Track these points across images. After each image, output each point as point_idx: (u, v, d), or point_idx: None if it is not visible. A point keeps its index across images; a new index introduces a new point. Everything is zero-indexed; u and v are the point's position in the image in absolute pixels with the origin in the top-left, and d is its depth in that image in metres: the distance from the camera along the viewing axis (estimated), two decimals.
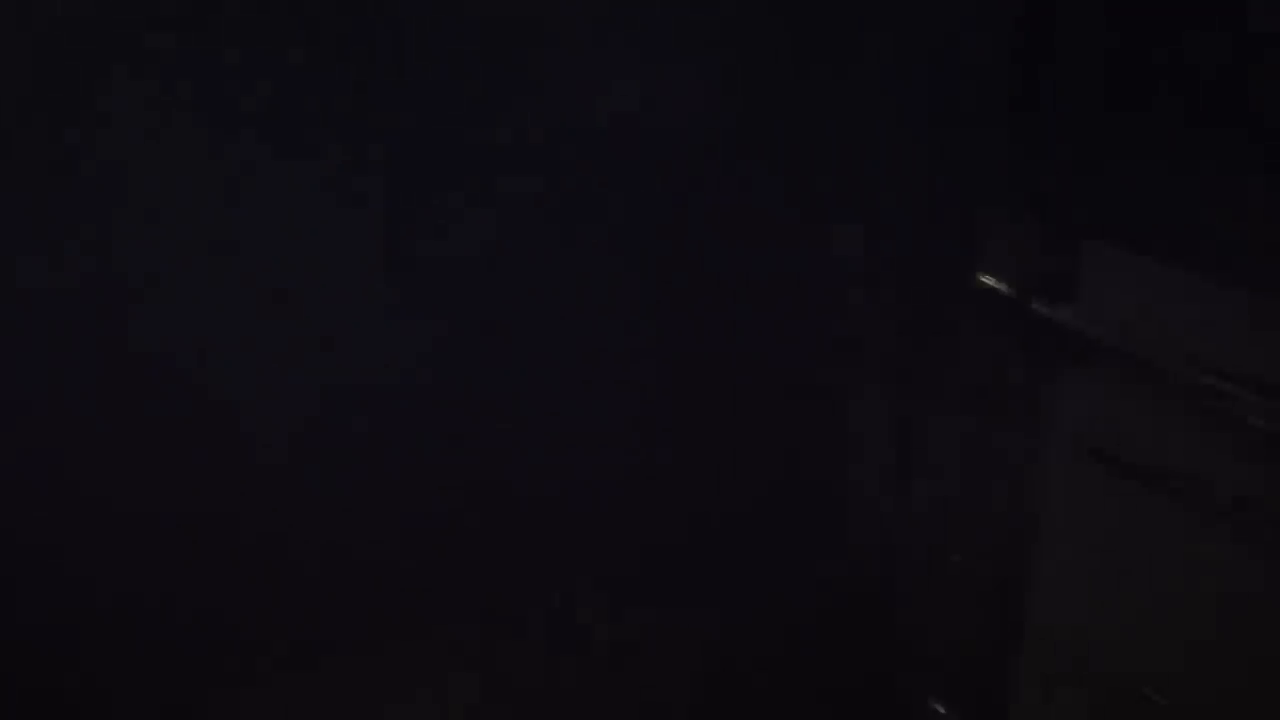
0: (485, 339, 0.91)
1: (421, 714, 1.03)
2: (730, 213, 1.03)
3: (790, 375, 1.15)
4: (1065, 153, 1.23)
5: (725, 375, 1.09)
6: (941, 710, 1.59)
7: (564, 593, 1.08)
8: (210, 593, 0.85)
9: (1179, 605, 1.27)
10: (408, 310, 0.85)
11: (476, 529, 0.98)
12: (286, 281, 0.79)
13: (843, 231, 1.13)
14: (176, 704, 0.86)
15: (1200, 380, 1.13)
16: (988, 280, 1.29)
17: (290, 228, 0.77)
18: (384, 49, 0.75)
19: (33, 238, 0.69)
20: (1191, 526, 1.22)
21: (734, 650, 1.25)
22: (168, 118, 0.70)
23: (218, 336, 0.77)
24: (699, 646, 1.23)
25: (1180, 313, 1.16)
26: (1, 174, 0.68)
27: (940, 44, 1.18)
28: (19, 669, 0.80)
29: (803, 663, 1.37)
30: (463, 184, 0.82)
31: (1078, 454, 1.32)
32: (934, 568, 1.49)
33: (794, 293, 1.12)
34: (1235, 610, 1.21)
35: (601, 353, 0.99)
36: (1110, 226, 1.22)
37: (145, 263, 0.73)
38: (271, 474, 0.84)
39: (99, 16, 0.62)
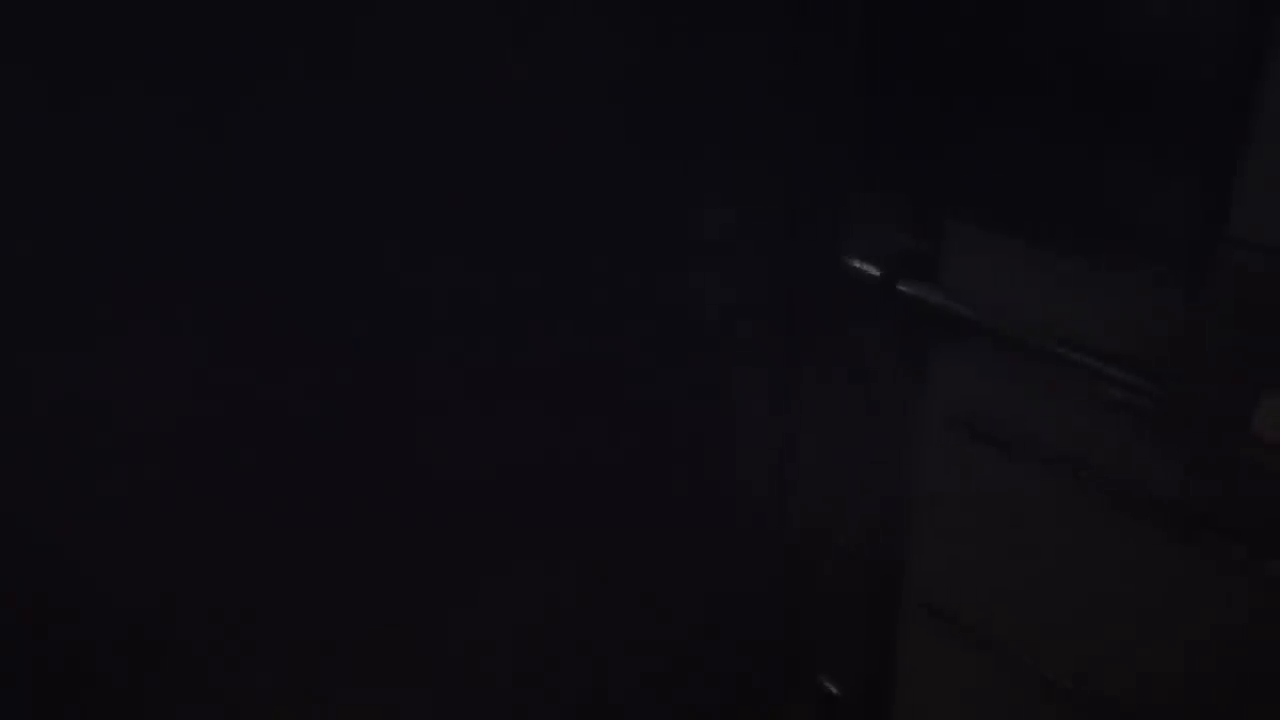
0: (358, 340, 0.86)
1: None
2: (593, 199, 1.00)
3: (661, 360, 1.13)
4: (925, 134, 1.23)
5: (594, 359, 1.06)
6: (831, 688, 1.61)
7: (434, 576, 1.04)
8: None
9: (1056, 575, 1.31)
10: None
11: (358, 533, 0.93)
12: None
13: (709, 216, 1.11)
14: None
15: (1063, 355, 1.15)
16: (854, 263, 1.29)
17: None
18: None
19: None
20: (1064, 497, 1.25)
21: (618, 633, 1.24)
22: None
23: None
24: (581, 628, 1.20)
25: (1042, 290, 1.18)
26: None
27: (796, 22, 1.16)
28: None
29: (691, 645, 1.36)
30: (304, 166, 0.77)
31: (951, 431, 1.34)
32: (817, 548, 1.50)
33: (661, 279, 1.10)
34: (1111, 578, 1.25)
35: (463, 346, 0.95)
36: (973, 206, 1.23)
37: None
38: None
39: None
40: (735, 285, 1.19)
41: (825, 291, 1.31)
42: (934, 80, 1.20)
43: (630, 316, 1.09)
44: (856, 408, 1.38)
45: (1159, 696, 1.25)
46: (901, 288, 1.26)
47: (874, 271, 1.28)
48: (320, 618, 0.93)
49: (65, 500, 0.73)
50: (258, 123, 0.73)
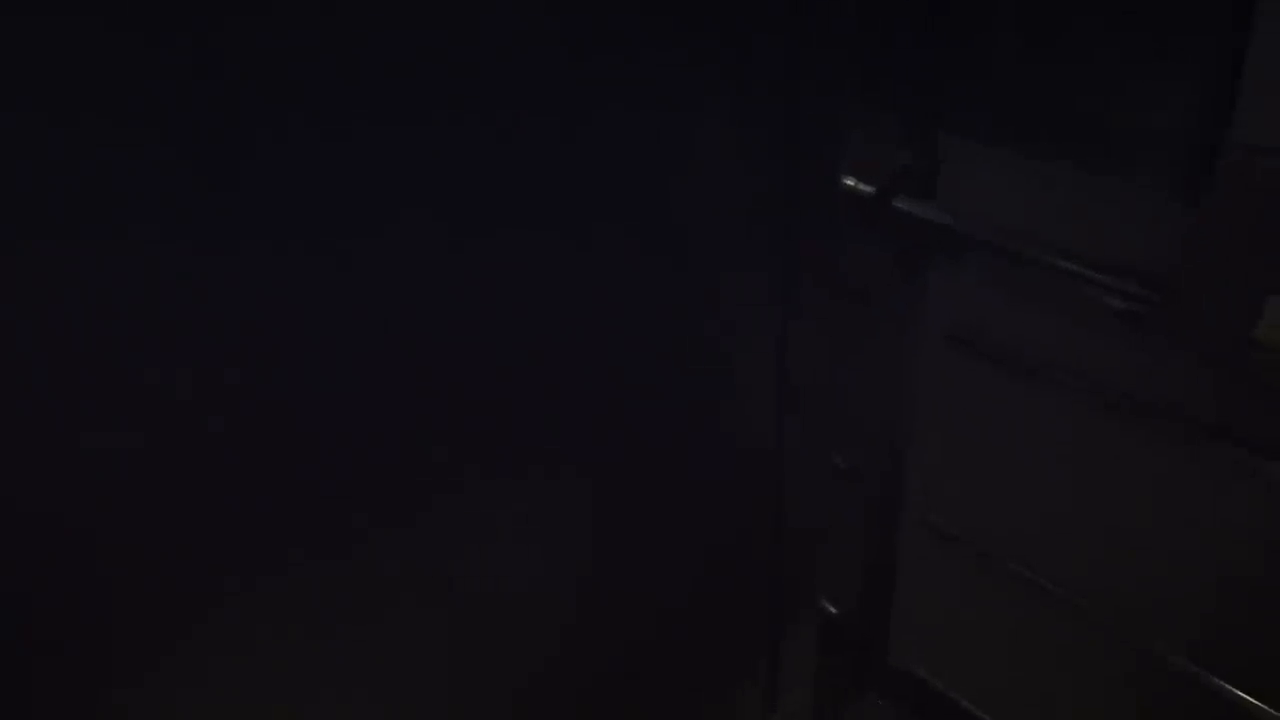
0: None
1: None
2: (582, 123, 0.97)
3: (655, 278, 1.12)
4: (918, 47, 1.21)
5: (585, 280, 1.04)
6: (831, 609, 1.62)
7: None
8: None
9: (1058, 489, 1.31)
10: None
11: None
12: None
13: (704, 133, 1.09)
14: None
15: (1064, 267, 1.14)
16: (850, 180, 1.27)
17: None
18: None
19: None
20: (1066, 410, 1.25)
21: (613, 556, 1.24)
22: None
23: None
24: (574, 550, 1.20)
25: (1041, 202, 1.16)
26: None
27: None
28: None
29: (687, 568, 1.36)
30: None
31: (951, 348, 1.33)
32: (816, 469, 1.49)
33: (654, 194, 1.08)
34: (1113, 489, 1.25)
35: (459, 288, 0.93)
36: (967, 119, 1.21)
37: None
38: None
39: None
40: (731, 202, 1.17)
41: (823, 208, 1.29)
42: None
43: (624, 233, 1.07)
44: (854, 326, 1.37)
45: (1162, 606, 1.26)
46: (898, 204, 1.24)
47: (869, 189, 1.26)
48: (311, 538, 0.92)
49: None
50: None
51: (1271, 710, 1.20)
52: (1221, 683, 1.24)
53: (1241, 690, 1.22)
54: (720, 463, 1.36)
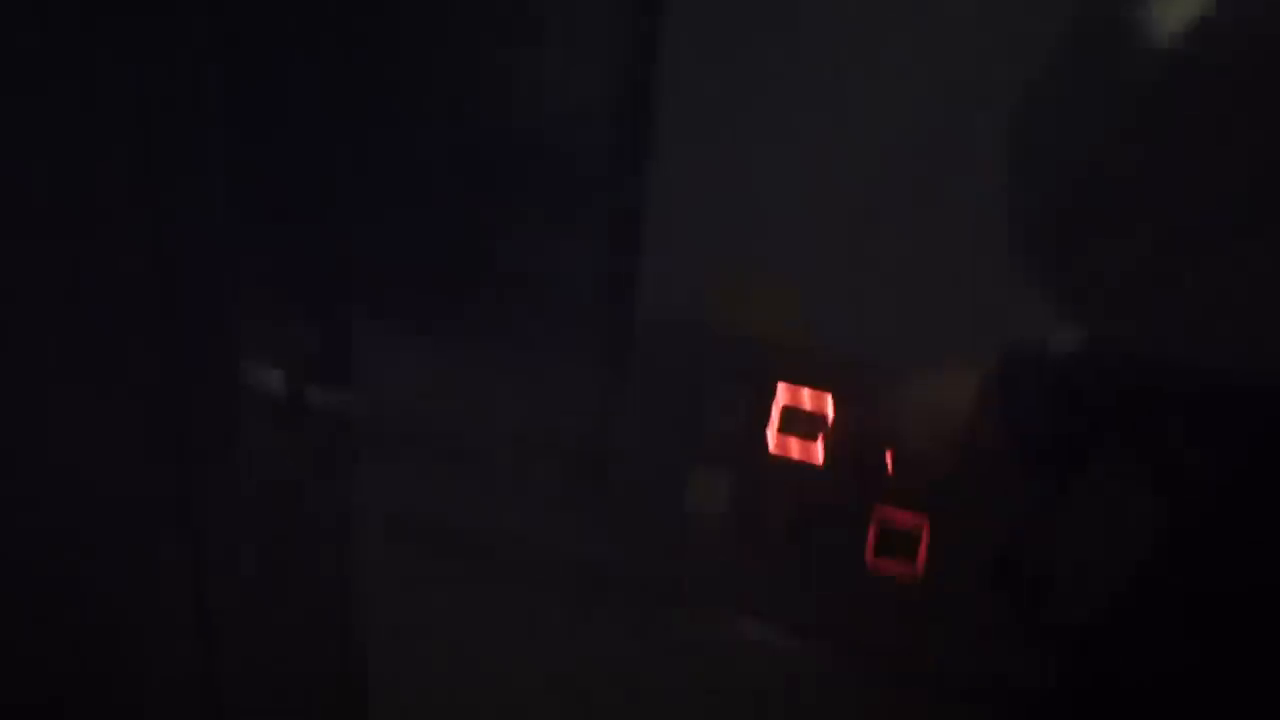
0: None
1: None
2: None
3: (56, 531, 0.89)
4: (318, 233, 1.09)
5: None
6: None
7: None
8: None
9: (525, 672, 1.23)
10: None
11: None
12: None
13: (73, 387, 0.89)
14: None
15: (494, 449, 1.07)
16: (258, 374, 1.11)
17: None
18: None
19: None
20: (521, 590, 1.18)
21: None
22: None
23: None
24: None
25: (462, 385, 1.09)
26: None
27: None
28: None
29: None
30: None
31: (396, 542, 1.20)
32: (281, 695, 1.29)
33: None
34: (578, 666, 1.19)
35: None
36: (375, 297, 1.11)
37: None
38: None
39: None
40: (105, 440, 0.97)
41: (225, 412, 1.11)
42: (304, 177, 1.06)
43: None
44: (289, 533, 1.20)
45: None
46: (311, 397, 1.11)
47: (280, 382, 1.11)
48: None
49: None
50: None
51: None
52: None
53: None
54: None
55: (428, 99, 1.00)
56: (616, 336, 1.01)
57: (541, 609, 1.16)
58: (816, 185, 0.89)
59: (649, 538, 1.06)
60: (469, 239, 1.05)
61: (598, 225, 1.02)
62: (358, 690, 1.34)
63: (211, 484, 1.10)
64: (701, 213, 0.94)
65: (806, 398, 0.95)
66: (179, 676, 1.17)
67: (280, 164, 1.06)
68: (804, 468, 0.97)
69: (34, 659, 1.05)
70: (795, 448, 0.97)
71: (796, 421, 0.96)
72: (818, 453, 0.96)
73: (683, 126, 0.92)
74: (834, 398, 0.94)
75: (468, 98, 0.99)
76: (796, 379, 0.96)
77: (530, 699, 1.24)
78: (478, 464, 1.10)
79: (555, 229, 1.04)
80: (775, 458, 0.97)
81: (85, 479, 1.01)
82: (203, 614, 1.13)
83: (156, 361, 1.05)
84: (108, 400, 1.03)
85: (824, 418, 0.95)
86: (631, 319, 0.99)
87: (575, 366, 1.05)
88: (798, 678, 1.08)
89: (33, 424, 0.94)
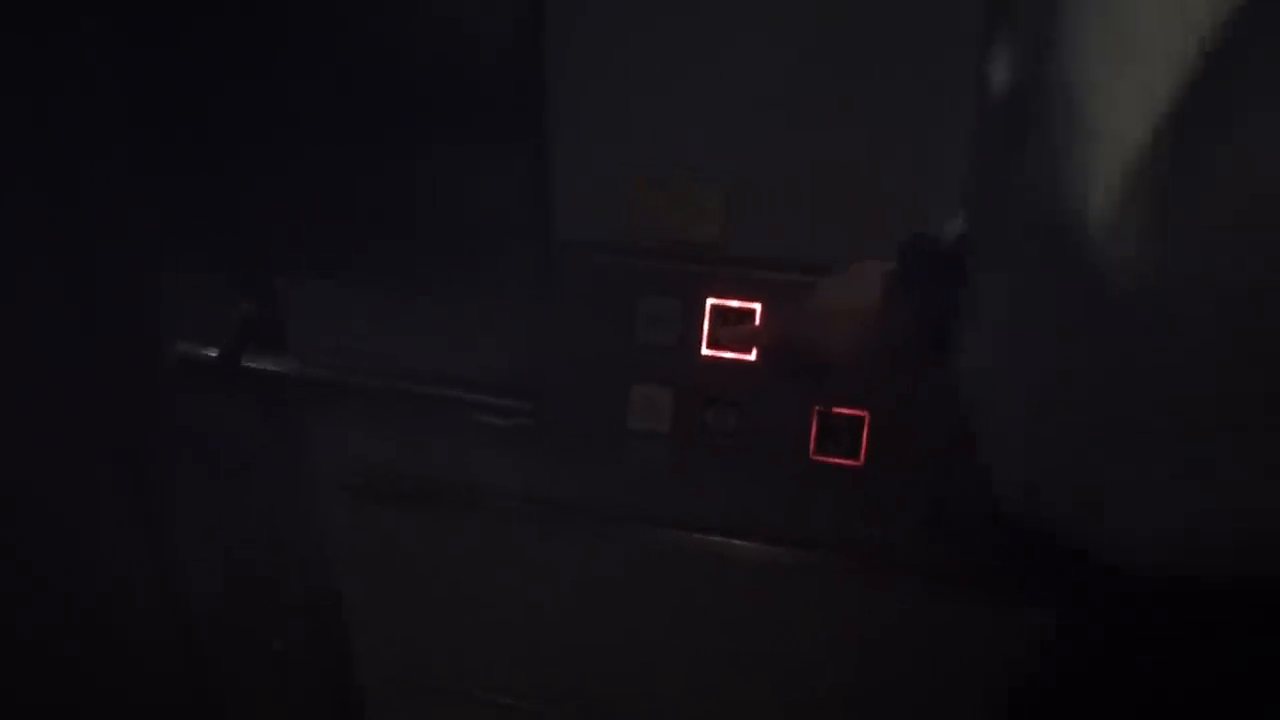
0: None
1: None
2: None
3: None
4: (238, 196, 1.08)
5: None
6: None
7: None
8: None
9: (496, 607, 1.25)
10: None
11: None
12: None
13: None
14: None
15: (438, 395, 1.07)
16: (190, 346, 1.11)
17: None
18: None
19: None
20: (477, 529, 1.19)
21: None
22: None
23: None
24: None
25: (398, 333, 1.09)
26: None
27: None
28: None
29: None
30: None
31: (347, 494, 1.21)
32: (254, 655, 1.30)
33: None
34: (544, 595, 1.21)
35: None
36: (300, 259, 1.10)
37: None
38: None
39: None
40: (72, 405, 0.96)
41: (158, 384, 1.10)
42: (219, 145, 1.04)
43: None
44: (241, 501, 1.21)
45: (629, 699, 1.26)
46: (248, 363, 1.10)
47: (212, 351, 1.10)
48: None
49: None
50: None
51: None
52: None
53: None
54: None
55: (333, 42, 0.99)
56: (540, 264, 1.01)
57: (501, 539, 1.18)
58: (726, 96, 0.89)
59: (595, 459, 1.07)
60: (385, 183, 1.04)
61: (510, 155, 1.01)
62: (337, 642, 1.35)
63: (156, 459, 1.09)
64: (613, 130, 0.94)
65: (735, 305, 0.96)
66: (152, 642, 1.17)
67: (186, 124, 1.04)
68: (741, 368, 0.98)
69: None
70: (729, 353, 0.98)
71: (728, 327, 0.97)
72: (751, 355, 0.97)
73: (586, 44, 0.91)
74: (761, 303, 0.95)
75: (372, 36, 0.98)
76: (724, 289, 0.97)
77: (503, 627, 1.26)
78: (420, 408, 1.10)
79: (469, 165, 1.03)
80: (711, 362, 0.98)
81: (24, 476, 1.00)
82: (168, 583, 1.13)
83: (78, 345, 1.03)
84: (33, 391, 1.01)
85: (753, 319, 0.96)
86: (551, 244, 0.98)
87: (504, 301, 1.05)
88: (752, 575, 1.10)
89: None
